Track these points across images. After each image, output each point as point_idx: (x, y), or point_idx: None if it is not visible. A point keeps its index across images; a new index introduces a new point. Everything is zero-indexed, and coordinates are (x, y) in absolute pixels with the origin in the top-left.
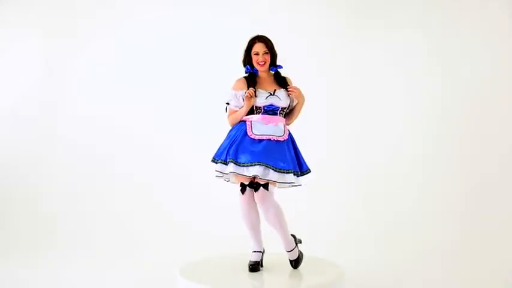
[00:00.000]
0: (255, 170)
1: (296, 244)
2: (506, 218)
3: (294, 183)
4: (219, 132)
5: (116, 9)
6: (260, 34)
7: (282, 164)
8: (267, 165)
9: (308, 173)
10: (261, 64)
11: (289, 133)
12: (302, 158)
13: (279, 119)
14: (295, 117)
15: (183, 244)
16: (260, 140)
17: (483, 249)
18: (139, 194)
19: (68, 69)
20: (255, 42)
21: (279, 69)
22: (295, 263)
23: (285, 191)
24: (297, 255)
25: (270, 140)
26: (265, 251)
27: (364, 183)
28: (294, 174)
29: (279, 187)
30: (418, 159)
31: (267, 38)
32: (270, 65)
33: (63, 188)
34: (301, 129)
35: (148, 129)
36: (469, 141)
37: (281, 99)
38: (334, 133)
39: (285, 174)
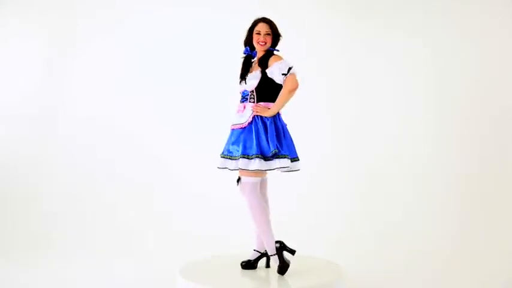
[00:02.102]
0: (220, 162)
1: (278, 252)
2: (506, 218)
3: (240, 168)
4: (220, 132)
5: (116, 10)
6: (263, 16)
7: (236, 152)
8: (224, 156)
9: (274, 154)
10: (261, 44)
11: (260, 118)
12: (271, 140)
13: (246, 105)
14: (278, 105)
15: (183, 244)
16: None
17: (483, 248)
18: (139, 194)
19: (68, 69)
20: (259, 22)
21: (275, 52)
22: (279, 269)
23: (285, 189)
24: (279, 263)
25: (233, 129)
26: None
27: (363, 182)
28: (257, 158)
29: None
30: (417, 159)
31: (270, 20)
32: (271, 47)
33: (63, 188)
34: (301, 129)
35: (148, 129)
36: (469, 140)
37: (247, 83)
38: (333, 133)
39: (236, 161)
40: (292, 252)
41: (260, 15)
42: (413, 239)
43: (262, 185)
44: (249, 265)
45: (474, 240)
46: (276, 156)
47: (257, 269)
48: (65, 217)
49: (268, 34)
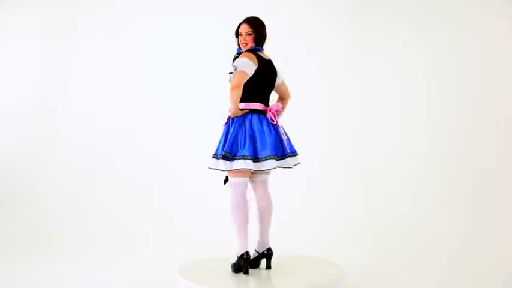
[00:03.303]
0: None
1: (243, 258)
2: (505, 218)
3: (215, 168)
4: (220, 132)
5: (116, 10)
6: (251, 15)
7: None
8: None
9: (225, 156)
10: (243, 45)
11: (232, 119)
12: (228, 142)
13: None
14: (231, 104)
15: (183, 244)
16: None
17: (483, 248)
18: (139, 194)
19: (68, 69)
20: (242, 23)
21: (260, 50)
22: (232, 266)
23: (285, 189)
24: (234, 262)
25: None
26: (272, 253)
27: (363, 183)
28: (223, 158)
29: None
30: (417, 158)
31: (254, 19)
32: (256, 46)
33: (63, 188)
34: (301, 129)
35: (148, 129)
36: (468, 140)
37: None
38: (333, 133)
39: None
40: (246, 271)
41: (249, 15)
42: (413, 239)
43: (260, 185)
44: (249, 265)
45: (474, 240)
46: (234, 157)
47: (257, 269)
48: (65, 217)
49: (249, 34)
